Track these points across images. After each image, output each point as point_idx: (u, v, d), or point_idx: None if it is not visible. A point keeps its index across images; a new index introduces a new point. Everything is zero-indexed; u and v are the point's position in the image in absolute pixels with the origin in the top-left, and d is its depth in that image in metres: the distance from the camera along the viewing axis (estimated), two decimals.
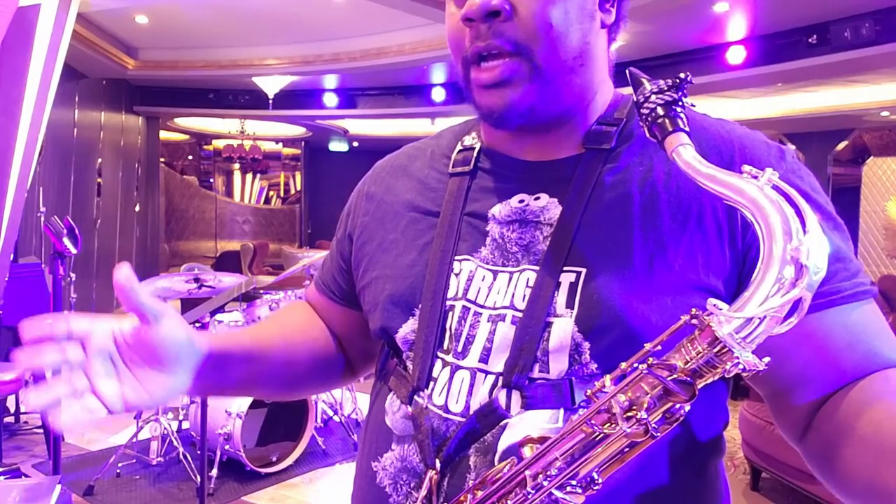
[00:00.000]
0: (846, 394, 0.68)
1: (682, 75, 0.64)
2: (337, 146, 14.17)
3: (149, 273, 9.05)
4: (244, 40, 7.68)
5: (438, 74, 8.25)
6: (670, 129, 0.62)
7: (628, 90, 0.77)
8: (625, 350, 0.62)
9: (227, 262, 11.83)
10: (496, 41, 0.74)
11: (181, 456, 3.80)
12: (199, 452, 3.28)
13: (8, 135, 3.73)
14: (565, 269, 0.73)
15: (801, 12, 5.65)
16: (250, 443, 3.97)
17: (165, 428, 3.93)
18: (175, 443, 3.83)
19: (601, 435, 0.56)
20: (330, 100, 9.32)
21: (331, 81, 8.93)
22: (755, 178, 0.57)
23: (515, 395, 0.72)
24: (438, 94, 8.54)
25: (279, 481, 3.87)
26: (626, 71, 0.70)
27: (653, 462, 0.71)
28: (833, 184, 9.48)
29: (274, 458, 3.97)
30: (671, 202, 0.73)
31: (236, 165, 15.67)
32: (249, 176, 16.65)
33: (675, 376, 0.53)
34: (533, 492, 0.57)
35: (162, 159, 11.77)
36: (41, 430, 4.42)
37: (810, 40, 5.88)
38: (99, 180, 8.35)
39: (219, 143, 14.69)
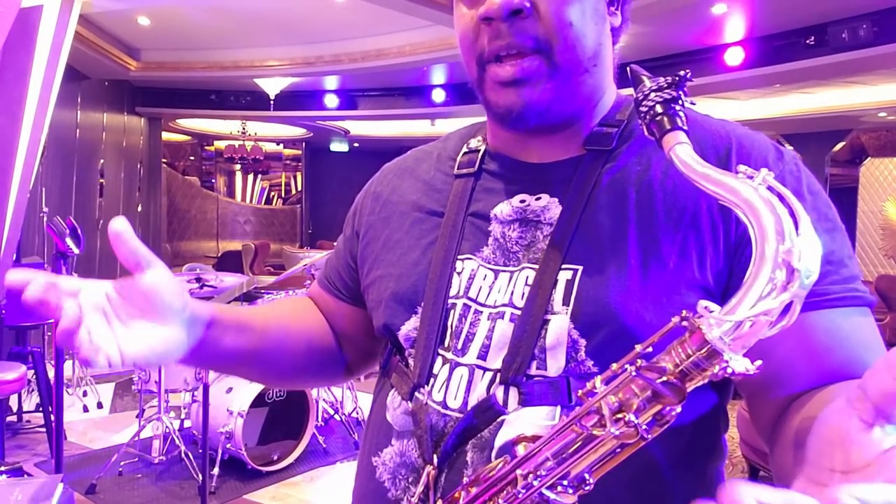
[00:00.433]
0: (812, 395, 0.67)
1: (681, 73, 0.64)
2: (338, 147, 14.17)
3: None
4: (245, 42, 7.69)
5: (438, 75, 8.26)
6: (668, 127, 0.62)
7: (630, 91, 0.79)
8: (619, 347, 0.62)
9: (228, 262, 11.84)
10: (517, 39, 0.74)
11: (183, 454, 3.81)
12: (200, 451, 3.29)
13: (11, 135, 3.75)
14: (563, 267, 0.74)
15: (799, 14, 5.66)
16: (252, 441, 3.99)
17: (167, 426, 3.94)
18: (177, 441, 3.84)
19: (591, 436, 0.55)
20: (331, 101, 9.33)
21: (331, 82, 8.93)
22: (750, 178, 0.56)
23: (513, 392, 0.73)
24: (439, 95, 8.54)
25: (280, 480, 3.88)
26: (627, 68, 0.70)
27: (653, 466, 0.71)
28: (831, 184, 9.46)
29: (275, 457, 3.98)
30: (667, 200, 0.74)
31: (238, 166, 15.66)
32: (251, 176, 16.65)
33: (664, 379, 0.53)
34: (523, 491, 0.57)
35: (164, 160, 11.77)
36: (43, 429, 4.43)
37: (808, 41, 5.89)
38: (101, 181, 8.36)
39: (220, 144, 14.69)
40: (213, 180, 15.87)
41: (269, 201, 17.01)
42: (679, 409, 0.54)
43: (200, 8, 6.46)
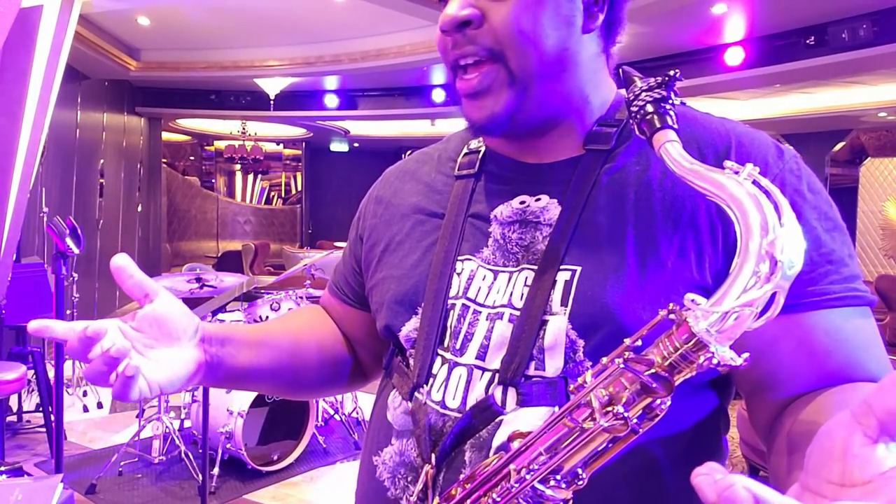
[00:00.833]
0: (811, 398, 0.67)
1: (671, 72, 0.64)
2: (338, 147, 14.17)
3: (151, 273, 8.99)
4: (245, 42, 7.70)
5: (438, 76, 8.27)
6: (658, 125, 0.63)
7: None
8: (616, 347, 0.62)
9: (228, 262, 11.85)
10: (470, 47, 0.76)
11: (183, 454, 3.82)
12: (200, 451, 3.30)
13: (10, 136, 3.75)
14: (561, 267, 0.74)
15: (798, 13, 5.66)
16: (252, 441, 3.99)
17: (167, 427, 3.94)
18: (177, 441, 3.85)
19: (581, 429, 0.55)
20: (331, 101, 9.34)
21: (331, 82, 8.94)
22: (736, 173, 0.56)
23: (511, 392, 0.73)
24: (438, 96, 8.55)
25: (280, 480, 3.89)
26: (620, 69, 0.71)
27: (654, 467, 0.71)
28: (831, 184, 9.47)
29: (275, 457, 3.98)
30: (665, 200, 0.73)
31: (238, 166, 15.66)
32: (251, 176, 16.65)
33: (652, 371, 0.54)
34: (516, 485, 0.58)
35: (164, 160, 11.78)
36: (43, 429, 4.43)
37: (808, 41, 5.89)
38: (101, 181, 8.37)
39: (220, 144, 14.70)
40: (213, 180, 15.87)
41: (269, 201, 17.01)
42: (669, 401, 0.54)
43: (200, 8, 6.47)
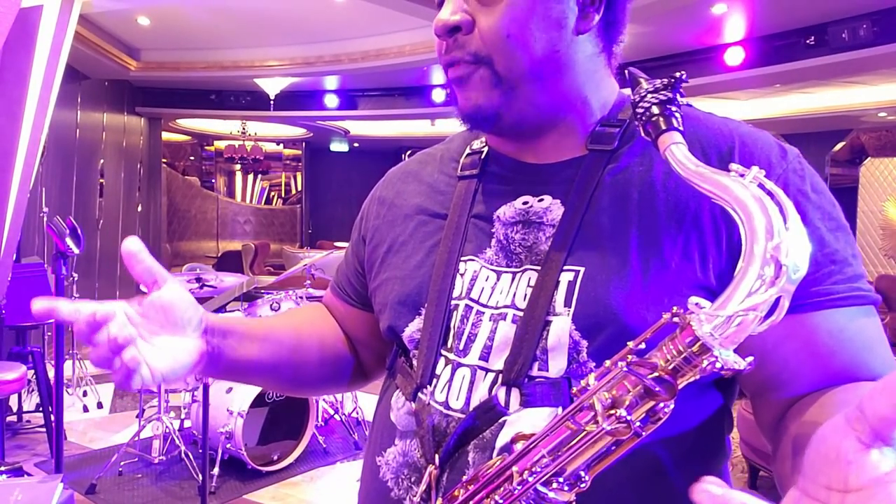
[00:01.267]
0: (816, 398, 0.67)
1: (677, 74, 0.64)
2: (338, 147, 14.17)
3: None
4: (245, 42, 7.69)
5: (438, 76, 8.25)
6: (663, 127, 0.63)
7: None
8: (621, 348, 0.62)
9: (228, 262, 11.85)
10: (458, 53, 0.78)
11: (183, 454, 3.82)
12: (200, 451, 3.29)
13: (10, 136, 3.75)
14: (565, 268, 0.74)
15: (798, 14, 5.66)
16: (252, 441, 3.99)
17: (167, 426, 3.94)
18: (177, 441, 3.85)
19: (584, 432, 0.55)
20: (331, 101, 9.33)
21: (331, 82, 8.94)
22: (742, 175, 0.56)
23: (514, 393, 0.73)
24: (438, 96, 8.55)
25: (280, 480, 3.89)
26: (626, 71, 0.71)
27: (659, 468, 0.71)
28: (831, 184, 9.46)
29: (275, 457, 3.99)
30: (669, 201, 0.73)
31: (238, 166, 15.64)
32: (251, 176, 16.64)
33: (655, 375, 0.53)
34: (519, 487, 0.58)
35: (164, 160, 11.77)
36: (43, 429, 4.43)
37: (808, 41, 5.89)
38: (101, 181, 8.37)
39: (220, 144, 14.69)
40: (213, 180, 15.86)
41: (269, 201, 17.00)
42: (672, 405, 0.54)
43: (200, 8, 6.47)
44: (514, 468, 0.59)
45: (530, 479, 0.58)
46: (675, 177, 0.72)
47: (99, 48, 7.09)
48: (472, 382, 0.76)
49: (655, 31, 6.04)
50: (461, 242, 0.83)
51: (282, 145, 15.00)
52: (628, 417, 0.54)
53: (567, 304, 0.73)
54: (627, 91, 0.84)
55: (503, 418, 0.73)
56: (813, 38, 5.85)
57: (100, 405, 5.18)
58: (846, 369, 0.68)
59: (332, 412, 4.67)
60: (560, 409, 0.71)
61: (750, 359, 0.52)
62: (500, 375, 0.74)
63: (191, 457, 3.81)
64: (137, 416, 4.15)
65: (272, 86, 8.66)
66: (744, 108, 8.93)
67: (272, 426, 4.09)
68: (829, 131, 9.53)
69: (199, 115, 10.81)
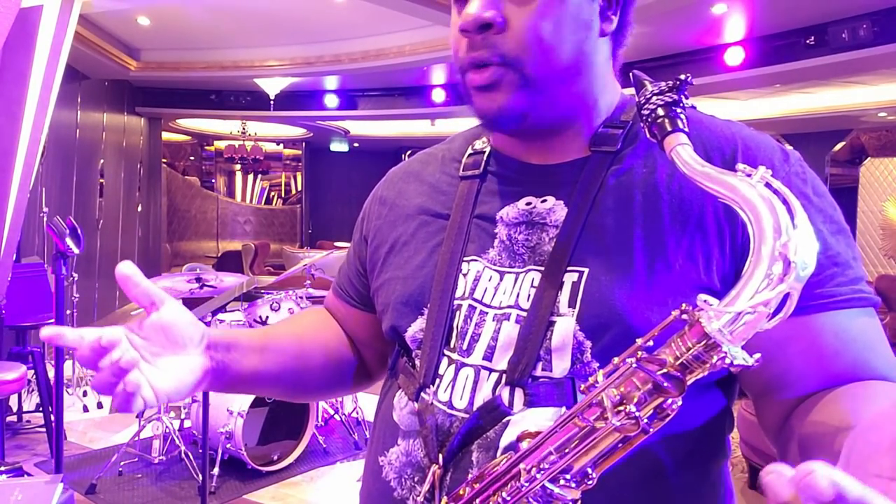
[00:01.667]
0: (820, 397, 0.68)
1: (682, 76, 0.65)
2: (338, 147, 14.17)
3: (151, 273, 9.01)
4: (245, 42, 7.69)
5: (438, 76, 8.26)
6: (669, 129, 0.63)
7: (633, 91, 0.78)
8: (625, 349, 0.62)
9: (228, 262, 11.86)
10: (487, 53, 0.75)
11: (183, 454, 3.82)
12: (200, 451, 3.29)
13: (11, 136, 3.75)
14: (568, 269, 0.74)
15: (798, 14, 5.66)
16: (252, 441, 3.99)
17: (167, 426, 3.94)
18: (177, 441, 3.85)
19: (592, 429, 0.56)
20: (331, 101, 9.33)
21: (331, 82, 8.93)
22: (749, 175, 0.57)
23: (518, 393, 0.73)
24: (438, 96, 8.55)
25: (280, 480, 3.89)
26: (630, 73, 0.71)
27: (660, 468, 0.72)
28: (831, 184, 9.47)
29: (275, 457, 3.99)
30: (672, 203, 0.74)
31: (238, 166, 15.64)
32: (251, 176, 16.63)
33: (664, 371, 0.54)
34: (526, 484, 0.58)
35: (164, 160, 11.76)
36: (43, 429, 4.44)
37: (808, 41, 5.88)
38: (101, 181, 8.36)
39: (220, 144, 14.68)
40: (213, 180, 15.85)
41: (269, 201, 16.99)
42: (680, 401, 0.55)
43: (200, 8, 6.46)
44: (522, 465, 0.60)
45: (538, 476, 0.58)
46: (679, 179, 0.72)
47: (99, 48, 7.08)
48: (475, 382, 0.76)
49: (655, 31, 6.04)
50: (464, 243, 0.83)
51: (282, 145, 14.99)
52: (637, 414, 0.54)
53: (571, 304, 0.73)
54: (628, 92, 0.84)
55: (507, 418, 0.73)
56: (813, 38, 5.85)
57: (100, 405, 5.18)
58: (850, 369, 0.69)
59: (332, 412, 4.67)
60: (564, 409, 0.71)
61: (757, 355, 0.53)
62: (504, 375, 0.75)
63: (191, 457, 3.81)
64: (137, 417, 4.15)
65: (272, 86, 8.65)
66: (744, 108, 8.93)
67: (272, 426, 4.09)
68: (829, 131, 9.53)
69: (199, 115, 10.81)
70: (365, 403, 4.74)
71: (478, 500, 0.63)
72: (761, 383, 0.74)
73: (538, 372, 0.73)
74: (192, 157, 15.71)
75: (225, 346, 0.84)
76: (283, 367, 0.93)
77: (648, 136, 0.66)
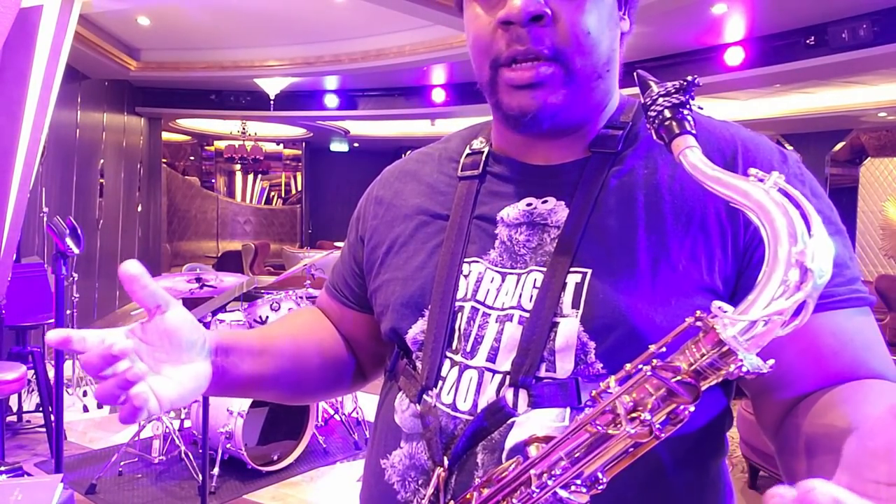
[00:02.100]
0: (818, 396, 0.68)
1: (689, 78, 0.65)
2: (338, 147, 14.16)
3: (151, 273, 8.98)
4: (245, 42, 7.69)
5: (438, 75, 8.26)
6: (677, 131, 0.63)
7: (629, 91, 0.78)
8: (629, 350, 0.63)
9: (228, 262, 11.85)
10: (535, 46, 0.74)
11: (183, 454, 3.82)
12: (200, 451, 3.30)
13: (10, 136, 3.75)
14: (571, 270, 0.74)
15: (799, 14, 5.66)
16: (252, 441, 3.99)
17: (167, 427, 3.94)
18: (177, 441, 3.85)
19: (605, 435, 0.56)
20: (331, 101, 9.33)
21: (331, 82, 8.93)
22: (761, 180, 0.57)
23: (522, 394, 0.73)
24: (438, 96, 8.54)
25: (280, 480, 3.89)
26: (634, 73, 0.71)
27: (660, 467, 0.72)
28: (831, 184, 9.47)
29: (275, 457, 3.99)
30: (675, 204, 0.74)
31: (238, 166, 15.64)
32: (251, 176, 16.63)
33: (678, 378, 0.54)
34: (537, 491, 0.58)
35: (164, 160, 11.76)
36: (43, 429, 4.43)
37: (808, 41, 5.88)
38: (101, 181, 8.36)
39: (220, 144, 14.68)
40: (213, 180, 15.85)
41: (269, 201, 16.99)
42: (693, 407, 0.55)
43: (200, 8, 6.46)
44: (532, 471, 0.59)
45: (550, 482, 0.58)
46: (680, 180, 0.72)
47: (99, 48, 7.08)
48: (479, 384, 0.76)
49: (655, 31, 6.04)
50: (464, 244, 0.83)
51: (282, 145, 14.99)
52: (651, 420, 0.54)
53: (575, 305, 0.73)
54: (626, 92, 0.84)
55: (511, 419, 0.73)
56: (813, 38, 5.85)
57: (100, 405, 5.17)
58: (848, 368, 0.69)
59: (332, 412, 4.67)
60: (568, 409, 0.71)
61: (771, 361, 0.53)
62: (508, 377, 0.74)
63: (191, 457, 3.81)
64: None
65: (272, 86, 8.65)
66: (744, 108, 8.93)
67: (272, 426, 4.09)
68: (829, 131, 9.53)
69: (199, 115, 10.80)
70: (365, 403, 4.74)
71: None
72: (760, 382, 0.74)
73: (542, 373, 0.73)
74: (192, 157, 15.71)
75: (224, 349, 0.83)
76: (280, 369, 0.92)
77: (655, 137, 0.65)
